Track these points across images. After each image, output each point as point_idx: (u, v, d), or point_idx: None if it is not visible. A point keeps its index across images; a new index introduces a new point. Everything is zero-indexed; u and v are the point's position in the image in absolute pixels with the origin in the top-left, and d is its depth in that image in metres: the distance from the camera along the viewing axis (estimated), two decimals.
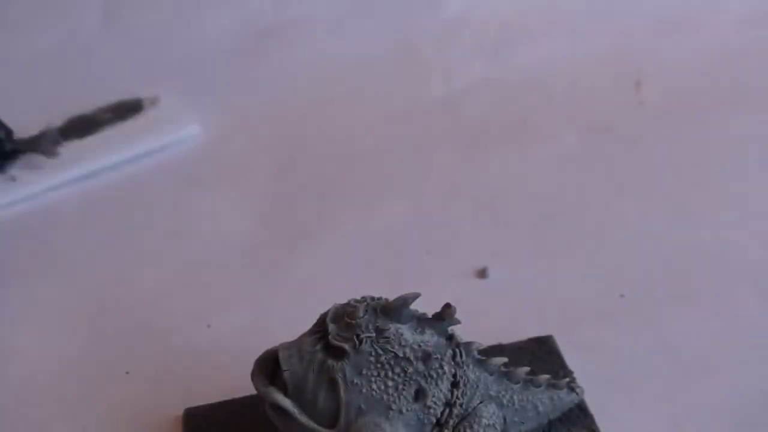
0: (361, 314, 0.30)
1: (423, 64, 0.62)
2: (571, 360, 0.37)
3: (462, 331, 0.39)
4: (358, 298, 0.32)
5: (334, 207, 0.49)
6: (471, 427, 0.31)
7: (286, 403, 0.30)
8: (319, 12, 0.68)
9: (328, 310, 0.31)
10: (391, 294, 0.32)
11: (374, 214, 0.48)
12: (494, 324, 0.40)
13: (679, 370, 0.37)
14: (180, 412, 0.37)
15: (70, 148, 0.54)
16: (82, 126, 0.55)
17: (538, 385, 0.33)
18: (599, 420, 0.35)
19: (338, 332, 0.30)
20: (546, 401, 0.33)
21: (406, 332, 0.30)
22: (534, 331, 0.39)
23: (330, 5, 0.69)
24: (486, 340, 0.39)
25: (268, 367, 0.31)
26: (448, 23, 0.66)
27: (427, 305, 0.32)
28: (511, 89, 0.58)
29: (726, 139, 0.50)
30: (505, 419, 0.32)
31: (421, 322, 0.31)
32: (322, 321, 0.31)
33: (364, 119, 0.57)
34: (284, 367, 0.30)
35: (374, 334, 0.30)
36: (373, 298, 0.31)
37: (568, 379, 0.35)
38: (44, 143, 0.53)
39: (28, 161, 0.52)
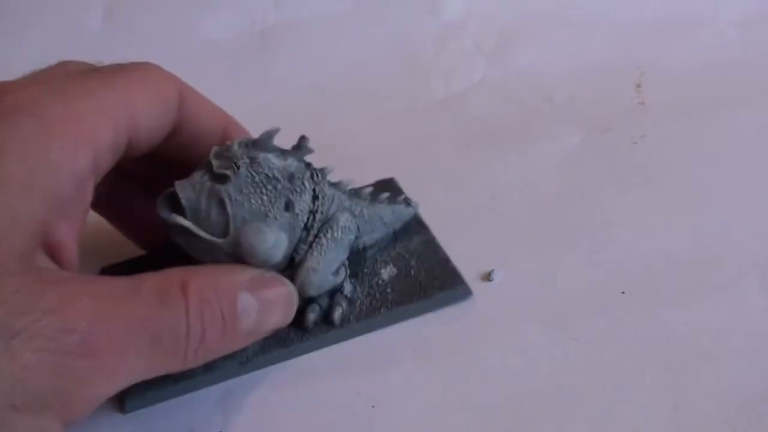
0: (235, 148, 0.36)
1: (423, 65, 0.62)
2: (574, 353, 0.38)
3: (469, 331, 0.39)
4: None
5: None
6: (331, 228, 0.39)
7: (187, 222, 0.35)
8: (319, 13, 0.68)
9: (211, 152, 0.37)
10: None
11: None
12: (498, 324, 0.40)
13: (681, 362, 0.37)
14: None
15: None
16: None
17: (382, 201, 0.43)
18: (596, 408, 0.35)
19: (220, 164, 0.36)
20: (389, 213, 0.43)
21: (273, 159, 0.37)
22: (537, 329, 0.39)
23: (330, 6, 0.69)
24: (490, 340, 0.39)
25: (170, 203, 0.36)
26: (448, 24, 0.66)
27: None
28: (511, 90, 0.58)
29: (727, 139, 0.50)
30: (358, 228, 0.41)
31: (284, 152, 0.38)
32: (206, 162, 0.37)
33: (364, 120, 0.57)
34: (181, 196, 0.36)
35: (248, 161, 0.36)
36: (245, 138, 0.38)
37: (404, 196, 0.44)
38: None
39: None
